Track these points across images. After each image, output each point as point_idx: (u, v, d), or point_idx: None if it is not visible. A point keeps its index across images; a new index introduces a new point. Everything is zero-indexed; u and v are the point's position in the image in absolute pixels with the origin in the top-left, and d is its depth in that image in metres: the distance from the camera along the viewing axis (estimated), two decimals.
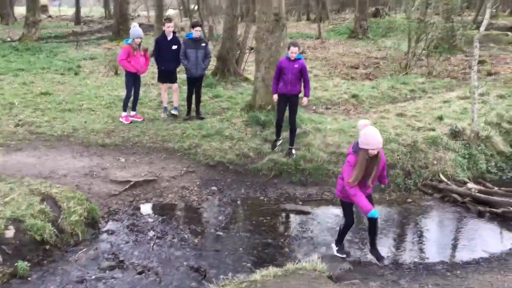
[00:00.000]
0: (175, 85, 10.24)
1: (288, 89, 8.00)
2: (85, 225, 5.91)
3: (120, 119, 9.84)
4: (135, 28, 9.67)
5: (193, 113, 10.22)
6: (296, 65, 7.91)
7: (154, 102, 11.50)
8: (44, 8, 33.42)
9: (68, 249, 5.50)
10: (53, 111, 10.38)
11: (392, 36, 22.41)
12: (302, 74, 8.02)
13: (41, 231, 5.33)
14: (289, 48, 7.89)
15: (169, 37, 9.84)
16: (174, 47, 9.83)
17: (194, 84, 9.98)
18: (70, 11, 45.76)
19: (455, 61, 18.83)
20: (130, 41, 9.57)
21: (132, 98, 9.93)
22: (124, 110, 9.91)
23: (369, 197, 5.31)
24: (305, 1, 40.19)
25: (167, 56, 9.83)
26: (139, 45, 9.61)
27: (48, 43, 21.25)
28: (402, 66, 16.53)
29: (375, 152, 4.97)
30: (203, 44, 9.81)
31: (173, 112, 10.26)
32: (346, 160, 5.21)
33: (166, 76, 10.09)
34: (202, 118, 9.98)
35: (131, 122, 9.78)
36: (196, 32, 9.65)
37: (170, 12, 23.54)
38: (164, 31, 9.92)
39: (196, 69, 9.76)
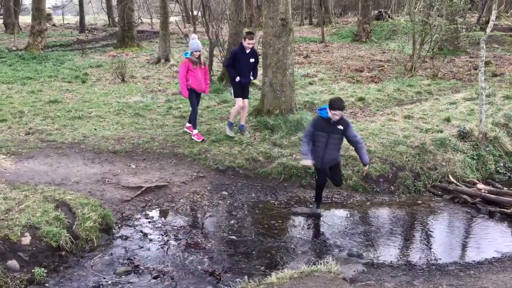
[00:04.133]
0: (246, 101, 9.51)
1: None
2: (100, 231, 5.96)
3: (192, 137, 9.28)
4: (194, 41, 9.06)
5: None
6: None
7: (162, 108, 11.59)
8: (49, 17, 33.58)
9: (84, 255, 5.55)
10: (62, 119, 10.48)
11: (396, 39, 22.50)
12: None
13: (57, 237, 5.39)
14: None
15: (248, 50, 9.14)
16: (252, 60, 9.21)
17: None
18: (73, 19, 46.07)
19: (459, 62, 18.89)
20: (189, 54, 9.03)
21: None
22: (194, 127, 9.35)
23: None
24: (308, 5, 40.39)
25: (244, 69, 9.17)
26: (199, 58, 9.07)
27: (54, 52, 21.41)
28: (407, 69, 16.58)
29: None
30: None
31: (245, 133, 9.43)
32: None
33: (241, 89, 9.30)
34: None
35: (203, 140, 9.21)
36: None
37: (172, 19, 23.51)
38: (241, 43, 9.18)
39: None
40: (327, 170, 6.77)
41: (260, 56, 9.86)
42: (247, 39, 8.97)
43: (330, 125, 6.48)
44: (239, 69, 9.10)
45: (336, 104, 6.37)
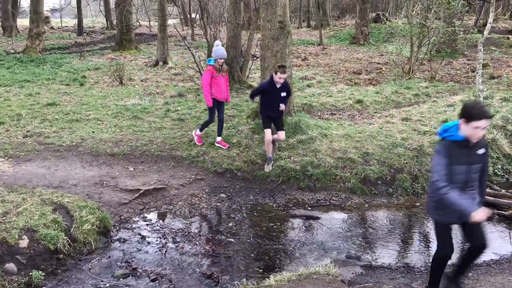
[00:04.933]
0: (282, 133, 8.42)
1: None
2: (98, 233, 5.96)
3: (193, 135, 9.22)
4: (218, 47, 8.73)
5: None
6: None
7: (160, 111, 11.59)
8: (47, 20, 33.60)
9: (81, 257, 5.54)
10: (60, 121, 10.48)
11: (394, 41, 22.55)
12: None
13: (55, 240, 5.39)
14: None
15: (278, 84, 8.02)
16: (283, 94, 8.15)
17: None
18: (71, 22, 46.08)
19: (457, 65, 18.93)
20: (212, 61, 8.71)
21: (216, 123, 9.18)
22: (200, 130, 9.17)
23: None
24: (305, 8, 40.47)
25: (275, 103, 8.11)
26: (222, 65, 8.75)
27: (52, 54, 21.41)
28: (405, 71, 16.61)
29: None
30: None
31: (269, 165, 8.34)
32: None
33: (270, 121, 8.34)
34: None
35: (203, 144, 9.07)
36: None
37: (170, 22, 23.49)
38: (271, 76, 8.07)
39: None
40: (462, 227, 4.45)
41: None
42: (278, 73, 7.90)
43: (469, 151, 4.17)
44: (266, 102, 8.22)
45: (479, 111, 4.02)
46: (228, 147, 9.00)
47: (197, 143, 9.10)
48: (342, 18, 42.62)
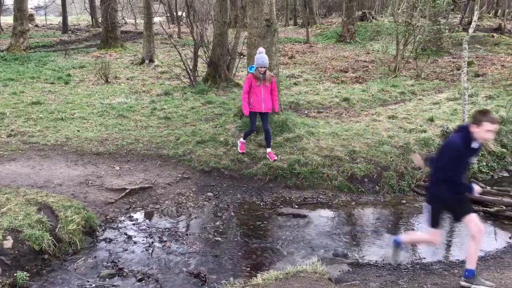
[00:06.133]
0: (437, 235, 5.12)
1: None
2: (83, 233, 5.90)
3: (238, 142, 8.65)
4: (261, 55, 8.04)
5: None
6: None
7: (146, 109, 11.51)
8: (31, 18, 33.20)
9: (67, 258, 5.49)
10: (45, 120, 10.36)
11: (380, 39, 22.67)
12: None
13: (39, 240, 5.32)
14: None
15: (475, 144, 4.68)
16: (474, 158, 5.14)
17: None
18: (56, 20, 45.61)
19: (442, 63, 19.08)
20: (253, 69, 8.16)
21: (258, 134, 8.80)
22: (244, 138, 8.59)
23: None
24: (292, 6, 40.49)
25: (464, 175, 4.90)
26: (264, 74, 8.09)
27: (37, 53, 21.15)
28: (391, 69, 16.71)
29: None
30: None
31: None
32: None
33: (440, 213, 5.03)
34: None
35: (243, 153, 8.54)
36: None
37: (156, 20, 23.27)
38: (469, 133, 4.62)
39: None
40: None
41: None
42: (486, 123, 4.50)
43: None
44: (452, 171, 4.66)
45: None
46: (275, 160, 8.31)
47: (240, 151, 8.56)
48: (329, 16, 42.69)
